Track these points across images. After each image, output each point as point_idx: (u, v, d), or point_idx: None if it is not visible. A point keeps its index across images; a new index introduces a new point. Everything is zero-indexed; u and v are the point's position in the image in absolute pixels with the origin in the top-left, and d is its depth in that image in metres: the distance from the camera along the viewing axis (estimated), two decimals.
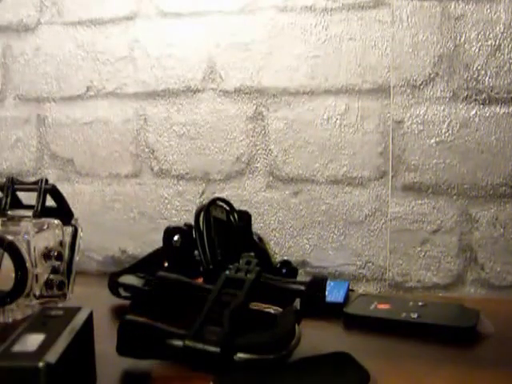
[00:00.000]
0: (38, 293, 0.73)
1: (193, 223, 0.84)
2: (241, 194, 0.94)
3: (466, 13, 0.83)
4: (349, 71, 0.88)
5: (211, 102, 0.94)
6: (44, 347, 0.45)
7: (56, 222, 0.77)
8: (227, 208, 0.87)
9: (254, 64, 0.92)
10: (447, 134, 0.85)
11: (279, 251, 0.92)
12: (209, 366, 0.55)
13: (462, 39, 0.83)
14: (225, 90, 0.94)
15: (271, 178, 0.93)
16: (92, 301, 0.68)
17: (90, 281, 0.89)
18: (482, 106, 0.83)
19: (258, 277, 0.69)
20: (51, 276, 0.75)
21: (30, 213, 0.77)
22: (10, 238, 0.72)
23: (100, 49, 1.00)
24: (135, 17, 0.97)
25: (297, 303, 0.66)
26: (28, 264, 0.71)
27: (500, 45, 0.82)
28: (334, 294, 0.76)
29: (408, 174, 0.86)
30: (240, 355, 0.56)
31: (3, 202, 0.78)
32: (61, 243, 0.76)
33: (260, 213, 0.93)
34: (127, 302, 0.79)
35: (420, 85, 0.85)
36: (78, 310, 0.54)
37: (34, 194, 0.79)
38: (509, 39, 0.82)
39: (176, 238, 0.81)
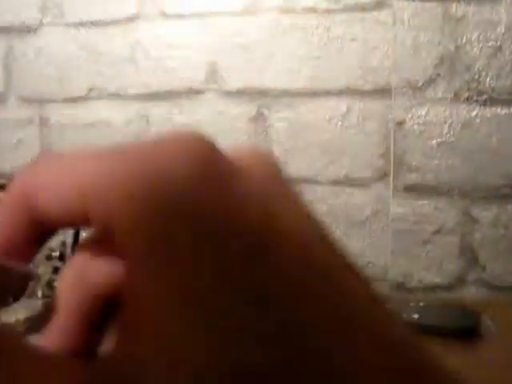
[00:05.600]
0: (40, 293, 0.73)
1: None
2: None
3: (467, 14, 0.83)
4: (350, 72, 0.88)
5: (213, 103, 0.95)
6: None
7: None
8: None
9: (255, 65, 0.92)
10: (448, 135, 0.85)
11: None
12: None
13: (463, 40, 0.83)
14: (227, 91, 0.94)
15: None
16: None
17: None
18: (483, 107, 0.83)
19: None
20: (53, 276, 0.75)
21: None
22: None
23: (102, 50, 1.00)
24: (137, 18, 0.97)
25: None
26: (30, 264, 0.72)
27: (501, 46, 0.82)
28: None
29: (409, 175, 0.86)
30: None
31: None
32: (63, 244, 0.77)
33: None
34: None
35: (421, 86, 0.85)
36: None
37: None
38: (510, 40, 0.82)
39: None
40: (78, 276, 0.21)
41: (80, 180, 0.19)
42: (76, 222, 0.20)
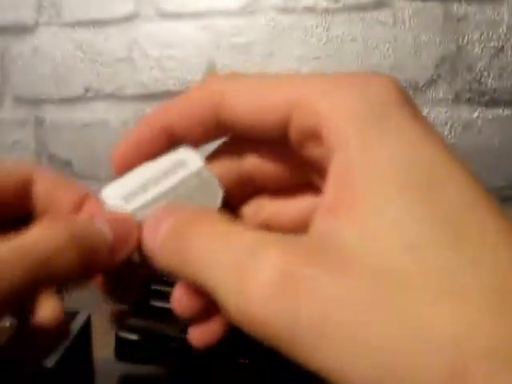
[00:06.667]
0: None
1: None
2: None
3: (469, 14, 0.82)
4: None
5: None
6: (42, 351, 0.44)
7: None
8: None
9: (254, 65, 0.91)
10: (450, 137, 0.84)
11: None
12: (209, 368, 0.55)
13: (465, 40, 0.83)
14: None
15: None
16: (90, 304, 0.67)
17: (88, 284, 0.88)
18: (484, 108, 0.82)
19: None
20: None
21: None
22: None
23: (99, 50, 0.99)
24: (134, 18, 0.96)
25: None
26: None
27: (503, 46, 0.81)
28: None
29: None
30: (241, 359, 0.55)
31: None
32: None
33: None
34: (126, 306, 0.78)
35: (422, 86, 0.84)
36: (75, 313, 0.54)
37: None
38: None
39: None
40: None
41: (286, 89, 0.21)
42: (266, 127, 0.21)
